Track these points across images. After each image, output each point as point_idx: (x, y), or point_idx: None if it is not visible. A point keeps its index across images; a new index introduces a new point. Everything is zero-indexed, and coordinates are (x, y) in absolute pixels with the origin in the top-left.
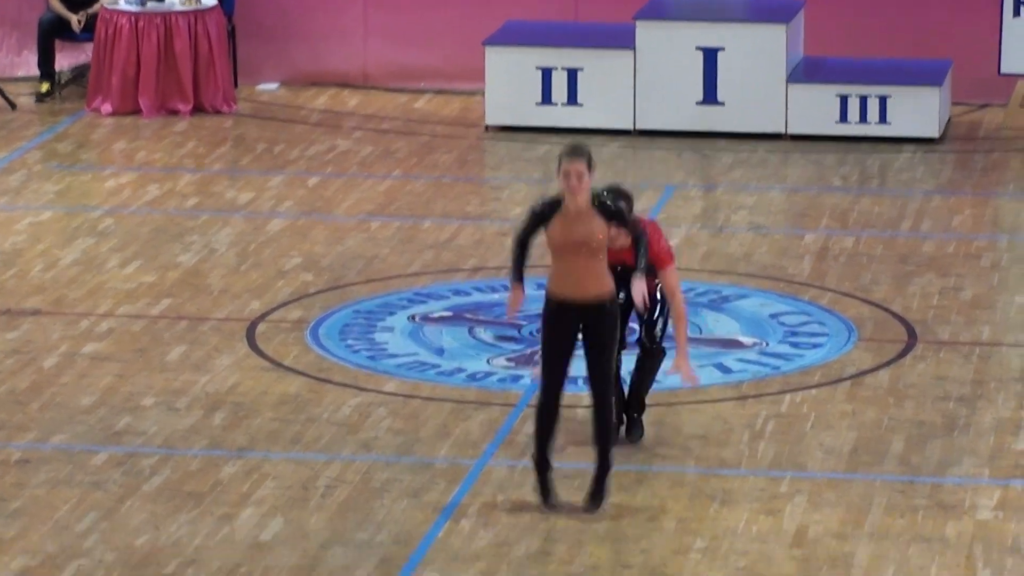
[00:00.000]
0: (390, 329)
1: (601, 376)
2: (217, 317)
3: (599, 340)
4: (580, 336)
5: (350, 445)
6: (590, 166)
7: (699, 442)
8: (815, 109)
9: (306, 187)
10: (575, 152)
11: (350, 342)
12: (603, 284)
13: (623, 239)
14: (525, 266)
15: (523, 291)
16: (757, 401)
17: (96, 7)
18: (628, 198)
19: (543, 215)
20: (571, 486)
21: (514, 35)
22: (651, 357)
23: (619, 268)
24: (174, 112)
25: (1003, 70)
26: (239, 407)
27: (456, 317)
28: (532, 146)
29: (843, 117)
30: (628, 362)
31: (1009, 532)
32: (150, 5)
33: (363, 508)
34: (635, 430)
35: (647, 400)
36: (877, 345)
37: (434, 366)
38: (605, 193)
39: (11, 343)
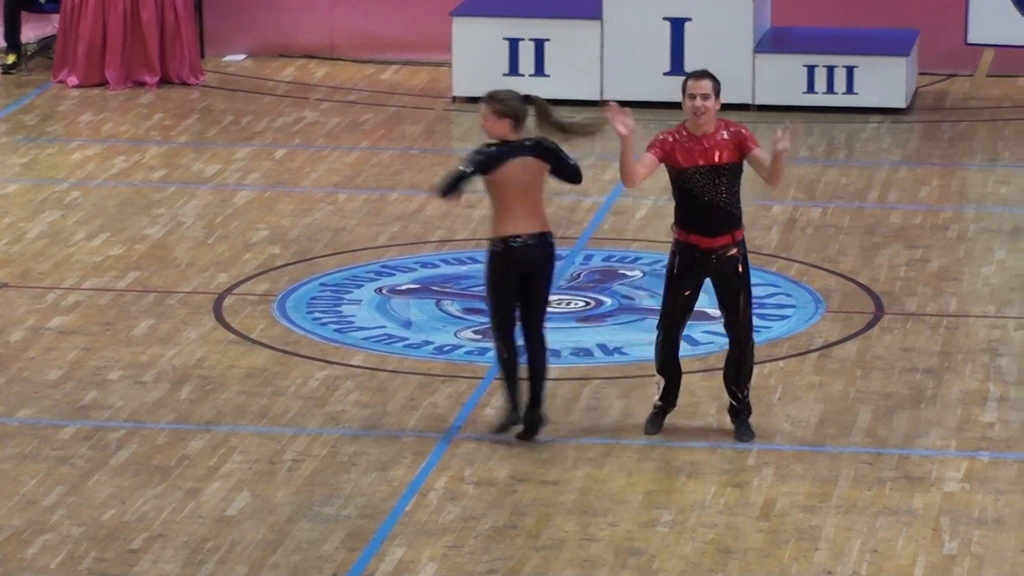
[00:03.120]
0: (357, 302)
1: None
2: (184, 290)
3: None
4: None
5: (317, 419)
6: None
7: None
8: (782, 79)
9: (273, 159)
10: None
11: (317, 315)
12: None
13: None
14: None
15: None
16: None
17: None
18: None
19: None
20: (539, 458)
21: (481, 6)
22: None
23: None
24: (140, 84)
25: (970, 40)
26: (206, 381)
27: (423, 289)
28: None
29: (810, 87)
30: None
31: (976, 504)
32: None
33: (330, 482)
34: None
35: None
36: (844, 316)
37: (401, 339)
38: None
39: None
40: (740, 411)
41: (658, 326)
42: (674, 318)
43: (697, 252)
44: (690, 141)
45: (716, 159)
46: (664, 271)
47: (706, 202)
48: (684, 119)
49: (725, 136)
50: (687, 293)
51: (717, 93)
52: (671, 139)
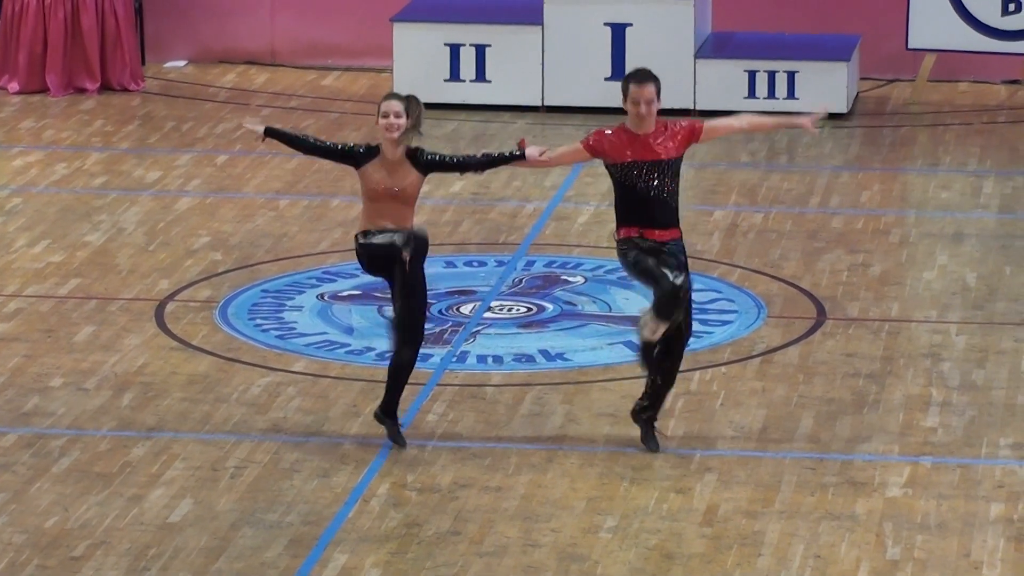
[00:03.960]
0: (299, 308)
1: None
2: (126, 297)
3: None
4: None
5: (259, 425)
6: (408, 113)
7: (609, 420)
8: (723, 85)
9: (214, 165)
10: (392, 96)
11: (259, 321)
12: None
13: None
14: (293, 135)
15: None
16: None
17: None
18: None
19: (357, 156)
20: (481, 464)
21: (422, 11)
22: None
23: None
24: (82, 90)
25: (911, 45)
26: (148, 387)
27: (365, 296)
28: (440, 123)
29: (751, 92)
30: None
31: (918, 509)
32: None
33: (272, 489)
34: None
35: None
36: (786, 322)
37: (343, 345)
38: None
39: None
40: (650, 413)
41: (661, 292)
42: (670, 272)
43: (651, 242)
44: (629, 138)
45: (658, 155)
46: (603, 276)
47: (652, 197)
48: (624, 121)
49: (666, 132)
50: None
51: (659, 94)
52: (607, 133)
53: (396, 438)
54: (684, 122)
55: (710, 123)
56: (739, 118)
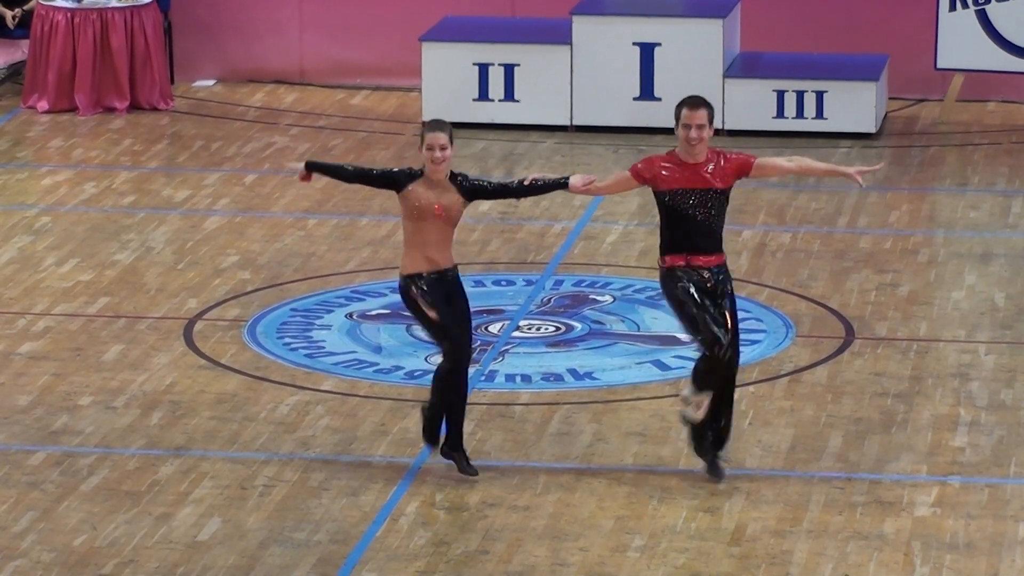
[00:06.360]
0: (328, 327)
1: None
2: (154, 316)
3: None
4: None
5: (288, 444)
6: (451, 140)
7: (637, 439)
8: (752, 104)
9: (243, 184)
10: (437, 127)
11: (287, 340)
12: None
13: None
14: (333, 168)
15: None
16: None
17: (32, 3)
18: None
19: (398, 179)
20: (510, 483)
21: (451, 31)
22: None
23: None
24: (111, 109)
25: (939, 65)
26: (176, 406)
27: (394, 315)
28: (469, 142)
29: (780, 112)
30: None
31: (947, 528)
32: (86, 1)
33: (301, 507)
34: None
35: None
36: (815, 341)
37: (372, 364)
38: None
39: None
40: (717, 442)
41: (702, 345)
42: (714, 325)
43: (705, 272)
44: (679, 165)
45: (706, 185)
46: (631, 295)
47: (699, 224)
48: (674, 147)
49: (721, 163)
50: (707, 301)
51: (711, 121)
52: (657, 160)
53: (464, 469)
54: (737, 154)
55: (762, 160)
56: (791, 159)
